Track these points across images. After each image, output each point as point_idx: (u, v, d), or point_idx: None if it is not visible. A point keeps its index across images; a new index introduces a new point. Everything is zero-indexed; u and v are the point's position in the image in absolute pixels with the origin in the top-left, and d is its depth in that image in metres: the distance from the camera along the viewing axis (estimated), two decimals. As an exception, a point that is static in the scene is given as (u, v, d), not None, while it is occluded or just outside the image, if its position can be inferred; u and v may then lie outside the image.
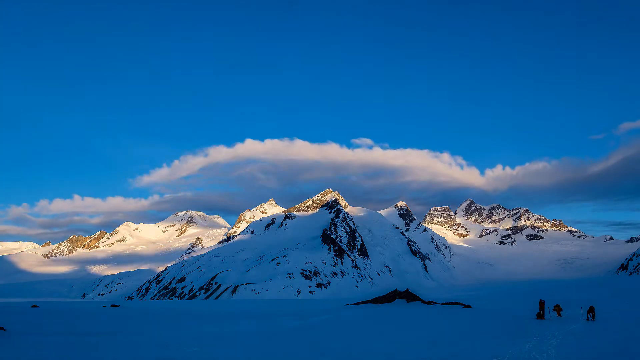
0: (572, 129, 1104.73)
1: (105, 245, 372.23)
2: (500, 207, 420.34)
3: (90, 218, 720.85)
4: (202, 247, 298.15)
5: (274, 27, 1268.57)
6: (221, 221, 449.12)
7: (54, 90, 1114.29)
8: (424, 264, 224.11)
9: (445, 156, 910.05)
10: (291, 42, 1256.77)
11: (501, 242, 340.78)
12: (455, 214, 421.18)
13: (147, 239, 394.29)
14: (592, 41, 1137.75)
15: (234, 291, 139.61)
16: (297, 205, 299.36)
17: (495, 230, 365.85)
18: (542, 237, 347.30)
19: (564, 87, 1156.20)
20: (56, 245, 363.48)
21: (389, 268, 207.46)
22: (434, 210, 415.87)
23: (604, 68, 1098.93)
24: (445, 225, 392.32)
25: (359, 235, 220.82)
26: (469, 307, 45.59)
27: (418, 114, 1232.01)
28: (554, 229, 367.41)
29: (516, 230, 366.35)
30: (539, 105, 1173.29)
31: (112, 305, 58.24)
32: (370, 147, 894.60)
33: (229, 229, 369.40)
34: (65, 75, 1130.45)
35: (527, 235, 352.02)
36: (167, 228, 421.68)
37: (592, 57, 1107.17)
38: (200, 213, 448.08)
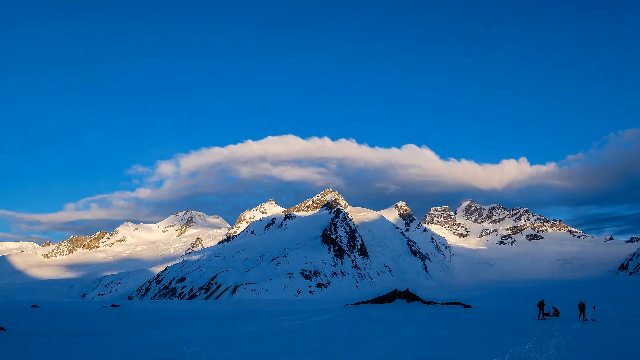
0: (574, 130, 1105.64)
1: (105, 245, 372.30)
2: (500, 207, 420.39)
3: (90, 218, 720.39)
4: (202, 247, 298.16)
5: (272, 28, 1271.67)
6: (221, 221, 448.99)
7: (52, 90, 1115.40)
8: (424, 264, 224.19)
9: (446, 156, 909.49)
10: (289, 43, 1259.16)
11: (501, 242, 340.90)
12: (455, 214, 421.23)
13: (147, 239, 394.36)
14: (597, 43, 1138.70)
15: (234, 291, 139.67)
16: (297, 205, 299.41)
17: (495, 230, 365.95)
18: (542, 237, 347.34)
19: (568, 87, 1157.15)
20: (56, 245, 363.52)
21: (389, 268, 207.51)
22: (434, 210, 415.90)
23: (606, 70, 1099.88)
24: (445, 226, 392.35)
25: (359, 235, 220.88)
26: (469, 307, 45.62)
27: (418, 115, 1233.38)
28: (554, 229, 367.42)
29: (516, 230, 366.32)
30: (540, 106, 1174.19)
31: (112, 305, 58.27)
32: (372, 147, 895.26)
33: (229, 229, 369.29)
34: (66, 77, 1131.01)
35: (527, 236, 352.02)
36: (167, 228, 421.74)
37: (594, 59, 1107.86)
38: (200, 213, 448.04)
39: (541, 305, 34.73)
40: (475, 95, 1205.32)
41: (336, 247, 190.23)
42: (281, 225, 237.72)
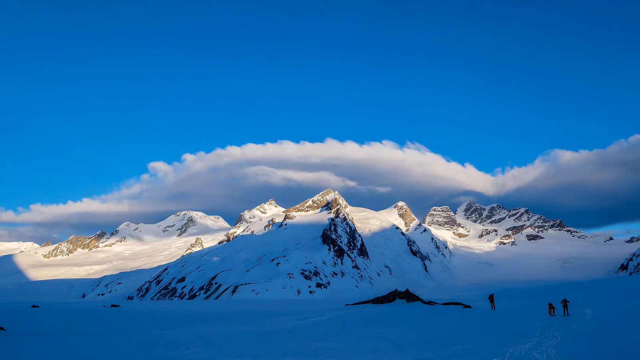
0: (576, 130, 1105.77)
1: (105, 245, 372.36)
2: (500, 207, 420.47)
3: (90, 218, 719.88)
4: (202, 248, 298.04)
5: (271, 30, 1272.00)
6: (221, 221, 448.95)
7: (51, 94, 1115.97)
8: (424, 264, 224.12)
9: (447, 156, 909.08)
10: (287, 43, 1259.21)
11: (501, 242, 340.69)
12: (455, 214, 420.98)
13: (147, 238, 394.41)
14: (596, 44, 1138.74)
15: (234, 291, 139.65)
16: (297, 205, 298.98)
17: (495, 231, 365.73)
18: (542, 237, 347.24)
19: (565, 87, 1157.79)
20: (56, 245, 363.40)
21: (389, 268, 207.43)
22: (434, 210, 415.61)
23: (605, 71, 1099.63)
24: (445, 226, 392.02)
25: (359, 236, 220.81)
26: (469, 307, 45.53)
27: (417, 115, 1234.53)
28: (554, 229, 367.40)
29: (516, 230, 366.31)
30: (540, 106, 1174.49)
31: (112, 305, 58.21)
32: (371, 147, 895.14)
33: (229, 229, 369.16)
34: (65, 79, 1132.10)
35: (527, 236, 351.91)
36: (167, 228, 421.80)
37: (593, 60, 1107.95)
38: (200, 213, 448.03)
39: (551, 305, 36.64)
40: (478, 97, 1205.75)
41: (336, 247, 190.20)
42: (281, 225, 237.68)
